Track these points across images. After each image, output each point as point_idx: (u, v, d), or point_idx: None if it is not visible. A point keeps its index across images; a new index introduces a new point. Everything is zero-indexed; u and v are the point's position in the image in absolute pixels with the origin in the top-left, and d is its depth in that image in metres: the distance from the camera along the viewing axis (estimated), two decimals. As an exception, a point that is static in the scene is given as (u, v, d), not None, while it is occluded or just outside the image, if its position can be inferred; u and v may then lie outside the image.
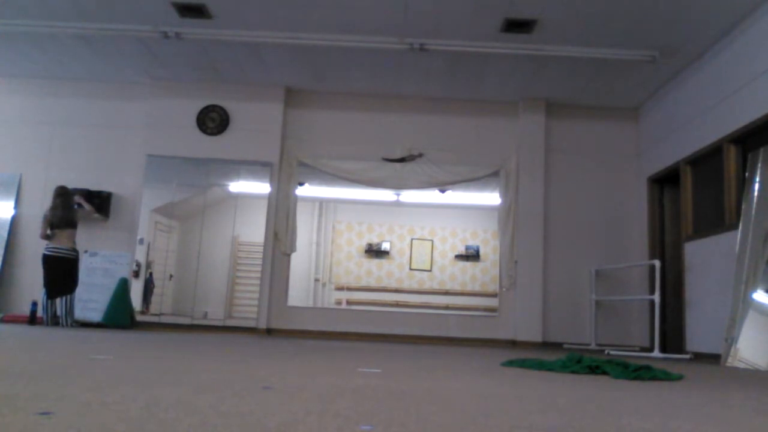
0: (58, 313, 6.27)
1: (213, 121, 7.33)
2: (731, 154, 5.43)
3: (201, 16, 5.76)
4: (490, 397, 1.86)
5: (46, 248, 6.30)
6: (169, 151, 7.26)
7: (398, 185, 7.55)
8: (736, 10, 5.15)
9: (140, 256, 7.16)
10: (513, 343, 6.98)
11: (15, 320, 6.74)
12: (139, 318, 6.96)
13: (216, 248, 7.43)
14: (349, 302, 8.89)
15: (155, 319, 7.04)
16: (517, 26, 5.67)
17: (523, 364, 3.46)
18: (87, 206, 6.78)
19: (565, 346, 6.81)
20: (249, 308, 7.11)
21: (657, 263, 5.91)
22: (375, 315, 7.38)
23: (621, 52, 6.00)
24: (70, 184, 6.89)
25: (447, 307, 8.50)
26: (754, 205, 4.89)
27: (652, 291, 6.10)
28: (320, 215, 9.38)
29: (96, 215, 6.98)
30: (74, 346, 3.44)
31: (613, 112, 7.49)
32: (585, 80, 6.76)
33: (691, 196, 6.14)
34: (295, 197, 7.34)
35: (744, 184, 5.11)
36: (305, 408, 1.45)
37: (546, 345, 6.90)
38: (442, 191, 8.07)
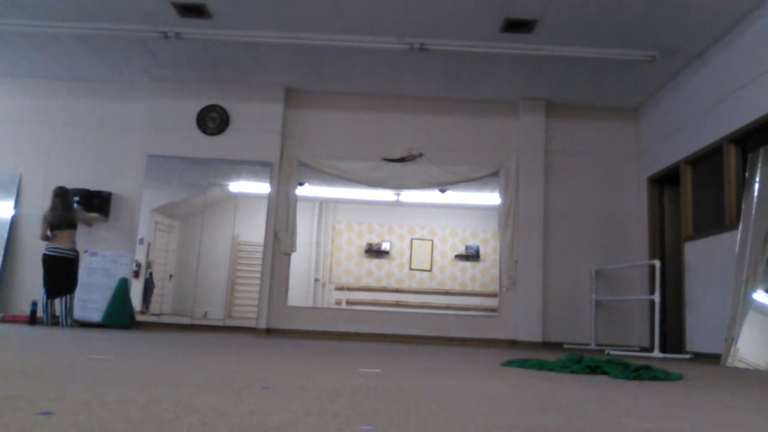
0: (58, 313, 6.28)
1: (213, 121, 7.33)
2: (731, 154, 5.43)
3: (201, 15, 5.76)
4: (490, 397, 1.86)
5: (46, 248, 6.32)
6: (169, 151, 7.25)
7: (398, 185, 7.55)
8: (736, 10, 5.15)
9: (140, 256, 7.16)
10: (513, 343, 6.97)
11: (15, 320, 6.74)
12: (139, 318, 6.96)
13: (216, 248, 7.43)
14: (349, 302, 8.89)
15: (155, 319, 7.03)
16: (517, 26, 5.67)
17: (523, 364, 3.46)
18: (86, 216, 6.80)
19: (565, 346, 6.81)
20: (249, 308, 7.11)
21: (657, 263, 5.90)
22: (375, 315, 7.38)
23: (621, 52, 5.99)
24: (70, 184, 6.89)
25: (447, 307, 8.49)
26: (754, 205, 4.89)
27: (652, 291, 6.10)
28: (320, 215, 9.37)
29: (94, 214, 6.99)
30: (74, 346, 3.44)
31: (613, 112, 7.48)
32: (585, 80, 6.76)
33: (691, 196, 6.14)
34: (295, 197, 7.33)
35: (744, 184, 5.11)
36: (305, 408, 1.45)
37: (546, 345, 6.90)
38: (442, 191, 8.07)
